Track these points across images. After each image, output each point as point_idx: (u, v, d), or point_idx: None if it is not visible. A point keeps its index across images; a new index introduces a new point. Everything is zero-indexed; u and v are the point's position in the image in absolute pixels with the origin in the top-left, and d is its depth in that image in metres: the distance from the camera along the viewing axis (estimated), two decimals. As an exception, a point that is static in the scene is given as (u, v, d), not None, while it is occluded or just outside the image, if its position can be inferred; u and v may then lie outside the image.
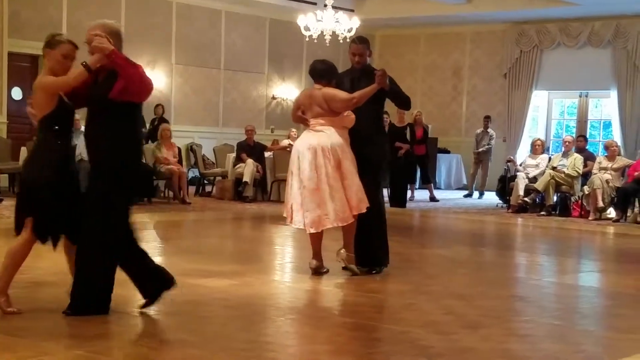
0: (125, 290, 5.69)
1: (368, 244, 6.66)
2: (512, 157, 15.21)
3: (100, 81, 4.85)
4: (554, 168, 13.16)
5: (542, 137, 16.12)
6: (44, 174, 4.78)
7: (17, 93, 14.53)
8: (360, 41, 6.97)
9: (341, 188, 6.33)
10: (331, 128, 6.41)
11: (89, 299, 4.83)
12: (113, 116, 4.80)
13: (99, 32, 4.79)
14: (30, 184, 4.87)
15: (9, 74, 13.56)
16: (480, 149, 16.75)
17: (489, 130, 16.79)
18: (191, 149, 15.11)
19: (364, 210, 6.43)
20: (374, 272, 6.67)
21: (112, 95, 4.74)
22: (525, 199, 13.31)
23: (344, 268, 6.57)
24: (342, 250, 6.56)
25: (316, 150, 6.34)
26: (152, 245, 8.59)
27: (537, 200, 13.43)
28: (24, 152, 12.90)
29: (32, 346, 4.15)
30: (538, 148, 13.93)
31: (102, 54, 4.74)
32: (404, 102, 6.83)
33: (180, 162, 13.64)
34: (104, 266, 4.85)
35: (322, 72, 6.63)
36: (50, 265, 6.56)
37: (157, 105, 15.08)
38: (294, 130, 15.47)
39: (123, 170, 4.84)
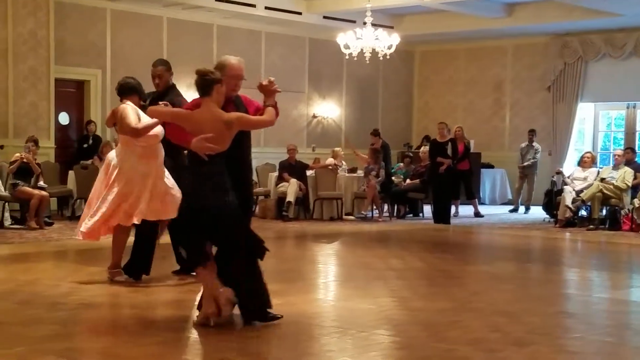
0: (173, 310, 5.73)
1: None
2: (560, 169, 15.02)
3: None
4: (602, 180, 12.95)
5: (590, 150, 15.86)
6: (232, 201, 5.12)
7: (64, 118, 14.78)
8: (159, 64, 7.19)
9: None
10: (120, 146, 6.78)
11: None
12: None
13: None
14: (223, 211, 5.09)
15: (56, 100, 13.82)
16: (526, 163, 16.56)
17: (534, 144, 16.61)
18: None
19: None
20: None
21: None
22: (570, 206, 13.08)
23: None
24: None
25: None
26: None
27: (582, 210, 13.20)
28: (71, 176, 13.11)
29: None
30: (587, 161, 13.71)
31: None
32: None
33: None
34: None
35: (121, 89, 6.87)
36: (99, 287, 6.65)
37: (89, 122, 14.49)
38: (337, 149, 15.49)
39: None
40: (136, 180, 6.62)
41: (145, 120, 6.53)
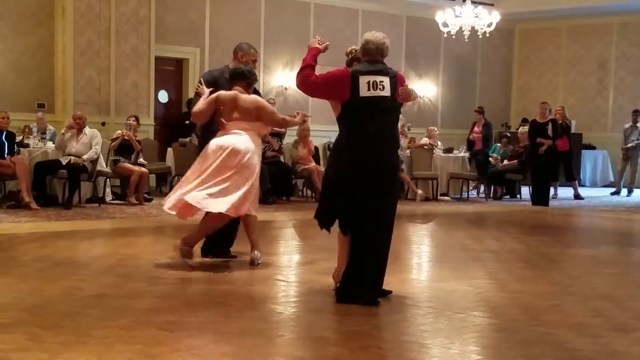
0: (269, 287, 5.77)
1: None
2: None
3: None
4: None
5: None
6: None
7: (163, 96, 15.12)
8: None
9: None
10: (254, 137, 6.60)
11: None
12: None
13: None
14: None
15: (156, 78, 14.14)
16: (629, 145, 16.00)
17: (638, 124, 16.02)
18: (329, 147, 15.22)
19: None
20: None
21: None
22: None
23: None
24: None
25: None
26: (290, 243, 8.73)
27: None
28: (170, 153, 13.42)
29: (180, 341, 4.28)
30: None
31: None
32: None
33: (317, 160, 13.75)
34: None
35: (245, 75, 6.71)
36: (196, 262, 6.78)
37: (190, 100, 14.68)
38: (432, 127, 15.30)
39: None
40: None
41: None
